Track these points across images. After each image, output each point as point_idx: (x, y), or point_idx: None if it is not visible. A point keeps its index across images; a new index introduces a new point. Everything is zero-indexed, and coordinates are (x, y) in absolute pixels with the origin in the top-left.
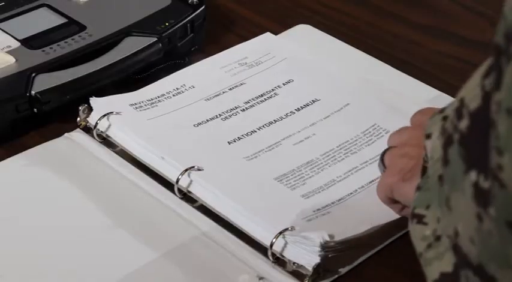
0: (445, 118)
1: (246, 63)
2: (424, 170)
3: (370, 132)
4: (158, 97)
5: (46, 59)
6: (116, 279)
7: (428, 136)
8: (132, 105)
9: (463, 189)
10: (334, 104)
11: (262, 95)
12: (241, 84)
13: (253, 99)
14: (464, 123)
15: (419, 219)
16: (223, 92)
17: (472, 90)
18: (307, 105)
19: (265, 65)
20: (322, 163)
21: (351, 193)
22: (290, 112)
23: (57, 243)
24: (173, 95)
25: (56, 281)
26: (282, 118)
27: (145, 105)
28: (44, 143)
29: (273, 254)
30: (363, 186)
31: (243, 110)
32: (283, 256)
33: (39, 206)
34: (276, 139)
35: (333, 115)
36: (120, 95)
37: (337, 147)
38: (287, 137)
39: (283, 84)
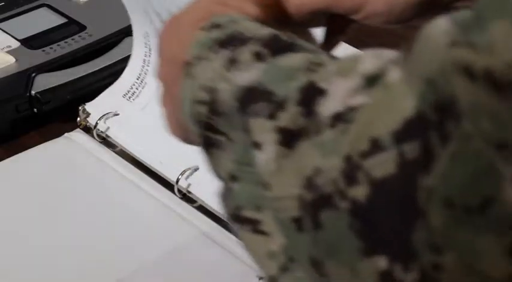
0: (282, 130)
1: None
2: (213, 110)
3: None
4: (142, 66)
5: (46, 59)
6: (116, 279)
7: (256, 145)
8: (124, 95)
9: (357, 269)
10: None
11: None
12: None
13: None
14: (360, 191)
15: (254, 226)
16: None
17: (368, 147)
18: None
19: None
20: None
21: None
22: None
23: (57, 242)
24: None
25: (56, 280)
26: None
27: (136, 88)
28: (44, 143)
29: None
30: None
31: None
32: None
33: (39, 206)
34: None
35: None
36: (109, 88)
37: None
38: None
39: None
